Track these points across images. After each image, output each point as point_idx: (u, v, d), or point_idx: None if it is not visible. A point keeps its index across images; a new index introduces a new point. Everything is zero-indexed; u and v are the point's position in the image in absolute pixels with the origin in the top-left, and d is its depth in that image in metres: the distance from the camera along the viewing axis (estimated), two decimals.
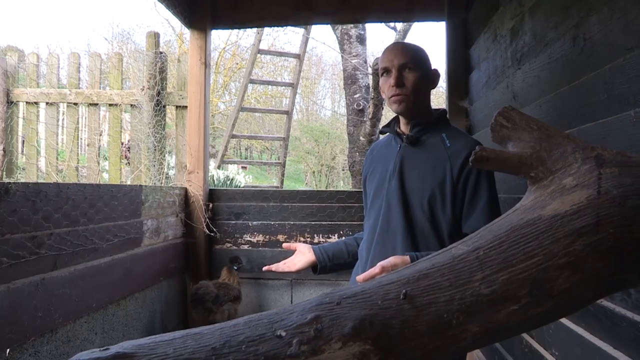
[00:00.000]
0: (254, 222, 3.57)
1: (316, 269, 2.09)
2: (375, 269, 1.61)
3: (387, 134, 2.02)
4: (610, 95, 1.41)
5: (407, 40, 8.19)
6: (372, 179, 1.97)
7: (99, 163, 4.84)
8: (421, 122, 1.86)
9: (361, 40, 7.33)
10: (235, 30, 15.17)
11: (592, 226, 0.72)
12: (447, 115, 2.00)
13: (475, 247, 0.76)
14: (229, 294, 3.20)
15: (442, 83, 1.99)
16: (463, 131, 2.20)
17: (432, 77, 1.89)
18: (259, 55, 7.49)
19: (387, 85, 1.84)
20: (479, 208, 1.74)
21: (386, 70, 1.84)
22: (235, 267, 3.38)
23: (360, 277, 1.64)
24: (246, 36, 16.58)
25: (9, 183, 1.72)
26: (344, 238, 2.22)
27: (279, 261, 2.11)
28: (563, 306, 0.74)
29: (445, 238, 1.77)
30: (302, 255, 2.10)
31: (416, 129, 1.86)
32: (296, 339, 0.69)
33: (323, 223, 3.49)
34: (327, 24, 5.95)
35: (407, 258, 1.64)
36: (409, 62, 1.81)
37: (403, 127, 1.91)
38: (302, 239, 3.49)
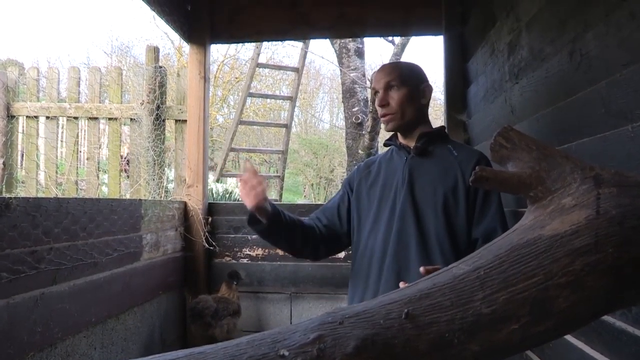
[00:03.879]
0: (253, 236, 3.56)
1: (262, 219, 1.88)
2: None
3: (386, 149, 2.05)
4: (607, 110, 1.42)
5: (404, 54, 8.25)
6: (371, 192, 1.97)
7: (98, 177, 4.84)
8: (427, 133, 1.90)
9: (360, 53, 7.36)
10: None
11: (591, 246, 0.72)
12: (446, 130, 2.04)
13: (476, 267, 0.77)
14: (228, 309, 3.19)
15: (440, 96, 2.02)
16: (465, 144, 2.24)
17: (421, 92, 1.91)
18: (257, 68, 7.53)
19: (376, 106, 1.91)
20: (491, 211, 1.78)
21: (376, 92, 1.91)
22: (235, 282, 3.37)
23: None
24: (245, 49, 16.61)
25: (10, 198, 1.72)
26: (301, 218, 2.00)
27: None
28: (563, 325, 0.75)
29: (461, 243, 1.78)
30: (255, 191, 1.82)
31: (423, 139, 1.89)
32: (299, 358, 0.69)
33: None
34: (324, 38, 6.01)
35: None
36: (392, 81, 1.86)
37: (404, 141, 1.94)
38: None
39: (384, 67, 1.94)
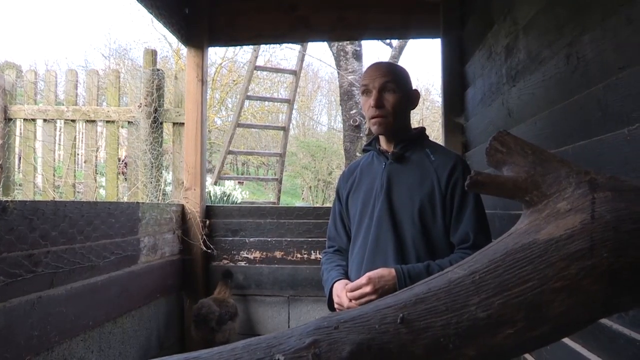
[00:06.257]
0: (251, 239, 3.57)
1: None
2: (362, 280, 1.64)
3: (366, 153, 2.04)
4: (604, 114, 1.43)
5: (402, 57, 8.27)
6: (355, 198, 1.97)
7: (96, 179, 4.83)
8: (404, 138, 1.89)
9: (357, 56, 7.37)
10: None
11: (586, 250, 0.72)
12: (442, 132, 2.03)
13: (471, 271, 0.77)
14: (229, 312, 3.18)
15: (438, 99, 2.02)
16: (443, 146, 2.22)
17: (412, 98, 1.91)
18: (255, 71, 7.53)
19: (367, 105, 1.86)
20: (466, 215, 1.77)
21: (367, 90, 1.85)
22: (229, 280, 3.37)
23: (348, 287, 1.67)
24: (243, 52, 16.65)
25: (7, 201, 1.72)
26: (333, 265, 2.00)
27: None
28: (559, 329, 0.75)
29: (438, 249, 1.78)
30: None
31: (400, 145, 1.88)
32: None
33: (320, 239, 3.48)
34: (323, 41, 6.01)
35: (392, 270, 1.66)
36: (389, 83, 1.82)
37: (384, 145, 1.93)
38: (299, 255, 3.49)
39: (378, 67, 1.89)
